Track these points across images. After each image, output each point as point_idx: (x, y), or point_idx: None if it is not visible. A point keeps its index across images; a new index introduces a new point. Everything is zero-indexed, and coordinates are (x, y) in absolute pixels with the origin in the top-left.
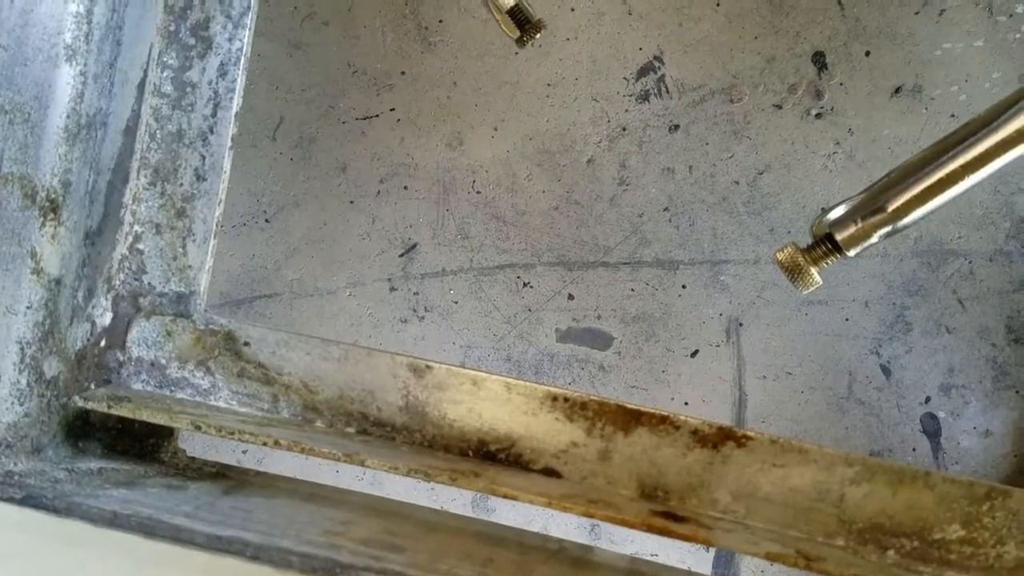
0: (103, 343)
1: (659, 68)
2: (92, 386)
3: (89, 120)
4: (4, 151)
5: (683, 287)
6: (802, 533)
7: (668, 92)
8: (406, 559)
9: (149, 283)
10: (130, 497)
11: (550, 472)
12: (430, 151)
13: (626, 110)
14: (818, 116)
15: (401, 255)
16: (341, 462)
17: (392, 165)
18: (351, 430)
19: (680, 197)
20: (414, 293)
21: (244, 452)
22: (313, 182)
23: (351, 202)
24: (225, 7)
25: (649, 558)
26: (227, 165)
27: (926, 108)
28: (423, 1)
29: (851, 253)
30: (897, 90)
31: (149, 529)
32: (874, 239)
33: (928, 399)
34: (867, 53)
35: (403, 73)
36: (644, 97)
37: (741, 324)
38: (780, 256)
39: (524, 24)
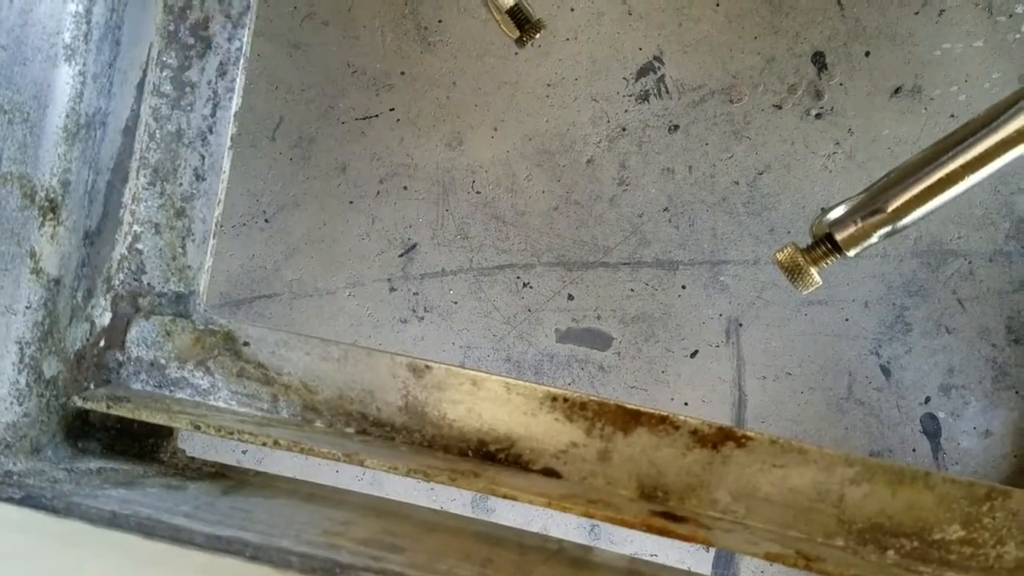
0: (102, 343)
1: (659, 68)
2: (91, 386)
3: (88, 120)
4: (3, 151)
5: (683, 287)
6: (802, 533)
7: (668, 92)
8: (405, 559)
9: (148, 283)
10: (129, 497)
11: (550, 472)
12: (430, 151)
13: (626, 110)
14: (818, 116)
15: (401, 255)
16: (340, 462)
17: (392, 165)
18: (350, 430)
19: (680, 197)
20: (414, 293)
21: (244, 452)
22: (313, 182)
23: (351, 202)
24: (224, 7)
25: (649, 558)
26: (226, 165)
27: (926, 108)
28: (423, 1)
29: (851, 253)
30: (897, 90)
31: (148, 529)
32: (874, 239)
33: (928, 399)
34: (867, 53)
35: (403, 73)
36: (644, 97)
37: (741, 324)
38: (780, 256)
39: (524, 24)
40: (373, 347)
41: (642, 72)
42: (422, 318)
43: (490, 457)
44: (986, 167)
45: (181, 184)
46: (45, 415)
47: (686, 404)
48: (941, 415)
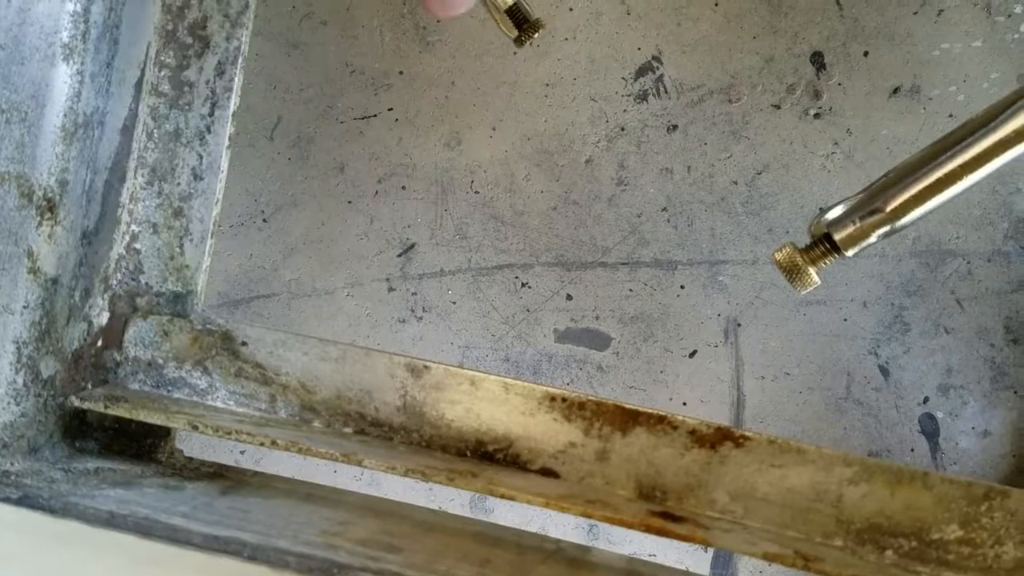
0: (100, 343)
1: (657, 68)
2: (89, 386)
3: (86, 119)
4: (1, 150)
5: (681, 287)
6: (800, 533)
7: (666, 92)
8: (404, 559)
9: (146, 283)
10: (127, 497)
11: (548, 472)
12: (428, 151)
13: (624, 110)
14: (816, 116)
15: (399, 255)
16: (338, 462)
17: (390, 165)
18: (349, 430)
19: (678, 197)
20: (412, 293)
21: (242, 452)
22: (311, 182)
23: (349, 202)
24: (223, 6)
25: (647, 558)
26: (224, 164)
27: (924, 108)
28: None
29: (849, 253)
30: (895, 90)
31: (146, 529)
32: (872, 239)
33: (926, 399)
34: (865, 53)
35: (401, 73)
36: (642, 97)
37: (739, 324)
38: (778, 256)
39: (522, 23)
40: (371, 347)
41: (641, 72)
42: (420, 318)
43: (488, 457)
44: (985, 167)
45: (179, 184)
46: (42, 415)
47: (684, 404)
48: (939, 415)
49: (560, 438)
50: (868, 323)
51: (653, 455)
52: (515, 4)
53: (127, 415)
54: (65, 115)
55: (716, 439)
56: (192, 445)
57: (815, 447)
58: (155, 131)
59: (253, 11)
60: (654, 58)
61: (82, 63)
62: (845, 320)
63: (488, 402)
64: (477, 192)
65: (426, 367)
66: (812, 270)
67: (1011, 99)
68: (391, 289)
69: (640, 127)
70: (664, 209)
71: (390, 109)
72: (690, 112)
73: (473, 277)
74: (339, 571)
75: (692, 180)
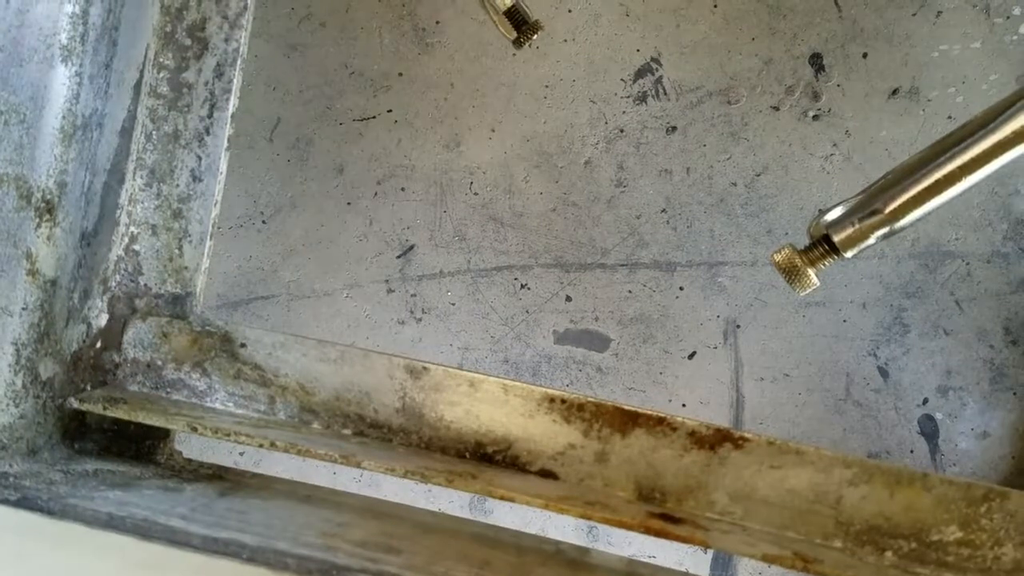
0: (99, 344)
1: (657, 70)
2: (88, 388)
3: (85, 121)
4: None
5: (680, 289)
6: (799, 535)
7: (666, 94)
8: (403, 561)
9: (145, 284)
10: (126, 499)
11: (547, 474)
12: (427, 152)
13: (623, 112)
14: (815, 118)
15: (398, 257)
16: (338, 464)
17: (389, 167)
18: (348, 432)
19: (678, 199)
20: (411, 295)
21: (241, 454)
22: (310, 183)
23: (348, 204)
24: (221, 8)
25: (647, 560)
26: (223, 166)
27: (923, 110)
28: (420, 2)
29: (848, 254)
30: (894, 92)
31: (145, 531)
32: (871, 240)
33: (926, 401)
34: (864, 55)
35: (400, 74)
36: (642, 99)
37: (739, 326)
38: (777, 258)
39: (521, 25)
40: (370, 348)
41: (640, 73)
42: (420, 319)
43: (487, 459)
44: (984, 168)
45: (178, 185)
46: (41, 417)
47: (684, 405)
48: (939, 416)
49: (559, 439)
50: (867, 324)
51: (652, 456)
52: (514, 6)
53: (126, 417)
54: (64, 117)
55: (715, 440)
56: (191, 447)
57: (814, 448)
58: (154, 133)
59: (252, 13)
60: (653, 60)
61: (81, 65)
62: (844, 321)
63: (487, 404)
64: (476, 193)
65: (425, 368)
66: (811, 271)
67: (1010, 100)
68: (390, 290)
69: (639, 128)
70: (663, 210)
71: (389, 111)
72: (689, 113)
73: (472, 278)
74: (338, 572)
75: (691, 181)
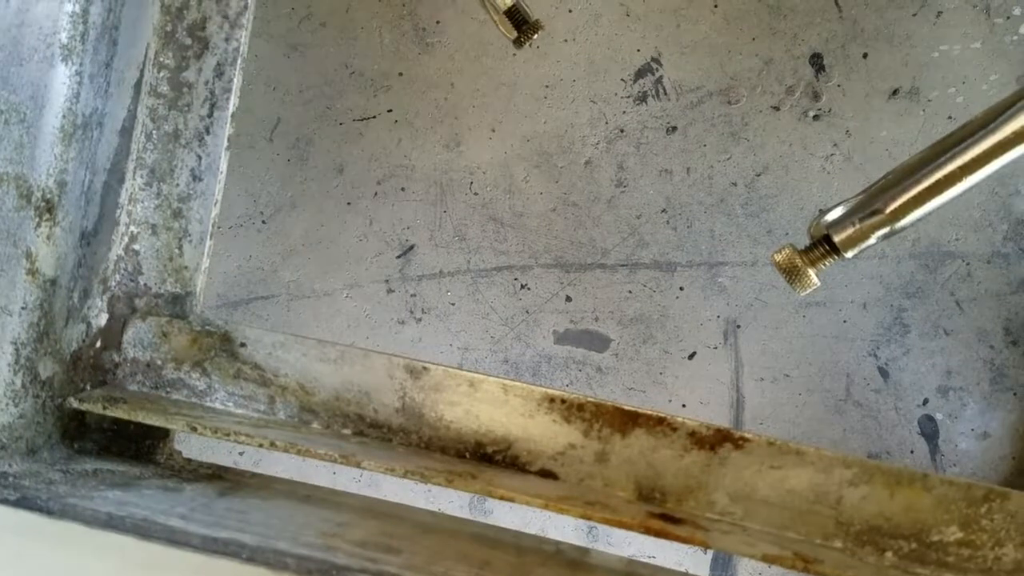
0: (99, 344)
1: (657, 70)
2: (87, 387)
3: (85, 120)
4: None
5: (681, 289)
6: (800, 535)
7: (666, 94)
8: (402, 561)
9: (145, 284)
10: (125, 499)
11: (547, 474)
12: (427, 152)
13: (624, 112)
14: (816, 118)
15: (398, 257)
16: (337, 464)
17: (389, 166)
18: (347, 432)
19: (678, 199)
20: (411, 295)
21: (241, 454)
22: (310, 183)
23: (348, 203)
24: (222, 7)
25: (647, 560)
26: (223, 166)
27: (923, 110)
28: (421, 2)
29: (849, 255)
30: (894, 92)
31: (144, 531)
32: (872, 240)
33: (926, 401)
34: (864, 55)
35: (400, 74)
36: (642, 99)
37: (739, 326)
38: (778, 258)
39: (522, 25)
40: (370, 348)
41: (640, 73)
42: (420, 319)
43: (487, 459)
44: (984, 169)
45: (178, 185)
46: (41, 416)
47: (684, 406)
48: (939, 417)
49: (559, 440)
50: (868, 325)
51: (652, 457)
52: (514, 5)
53: (126, 416)
54: (64, 116)
55: (715, 441)
56: (191, 446)
57: (814, 449)
58: (154, 132)
59: (252, 12)
60: (653, 60)
61: (81, 64)
62: (845, 322)
63: (487, 404)
64: (476, 193)
65: (425, 368)
66: (811, 271)
67: (1010, 101)
68: (390, 290)
69: (639, 128)
70: (663, 211)
71: (389, 110)
72: (689, 113)
73: (472, 279)
74: (338, 572)
75: (691, 182)
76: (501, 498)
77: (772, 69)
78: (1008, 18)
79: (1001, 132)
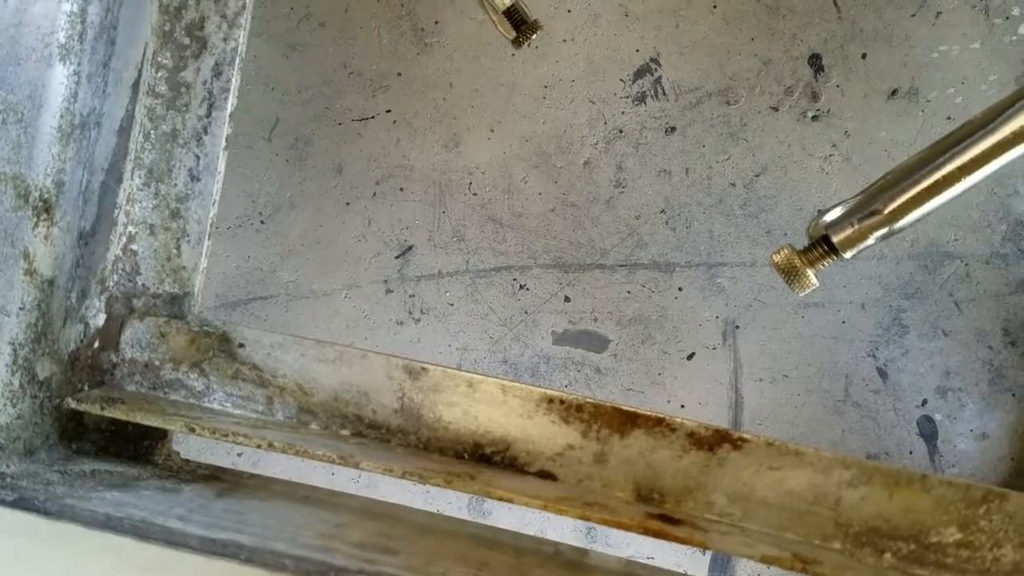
0: (96, 344)
1: (656, 70)
2: (85, 388)
3: (83, 120)
4: None
5: (679, 289)
6: (798, 536)
7: (665, 94)
8: (400, 562)
9: (143, 284)
10: (123, 499)
11: (546, 475)
12: (426, 153)
13: (623, 112)
14: (814, 118)
15: (397, 257)
16: (336, 465)
17: (388, 167)
18: (346, 432)
19: (677, 199)
20: (410, 295)
21: (239, 454)
22: (309, 183)
23: (347, 204)
24: (220, 7)
25: (645, 561)
26: (222, 166)
27: (922, 110)
28: (419, 2)
29: (847, 255)
30: (893, 92)
31: (142, 532)
32: (870, 241)
33: (925, 402)
34: (863, 55)
35: (399, 74)
36: (641, 99)
37: (737, 327)
38: (776, 258)
39: (520, 25)
40: (369, 349)
41: (639, 74)
42: (418, 320)
43: (486, 459)
44: (983, 169)
45: (176, 185)
46: (39, 417)
47: (683, 406)
48: (938, 417)
49: (558, 440)
50: (866, 325)
51: (651, 457)
52: (513, 5)
53: (124, 417)
54: (62, 116)
55: (714, 441)
56: (189, 447)
57: (813, 449)
58: (152, 132)
59: (250, 12)
60: (652, 60)
61: (79, 64)
62: (843, 322)
63: (486, 404)
64: (475, 194)
65: (424, 369)
66: (810, 272)
67: (1009, 101)
68: (389, 291)
69: (638, 129)
70: (662, 211)
71: (388, 111)
72: (688, 114)
73: (471, 279)
74: (336, 573)
75: (690, 182)
76: (500, 499)
77: (771, 69)
78: (1007, 18)
79: (1000, 132)
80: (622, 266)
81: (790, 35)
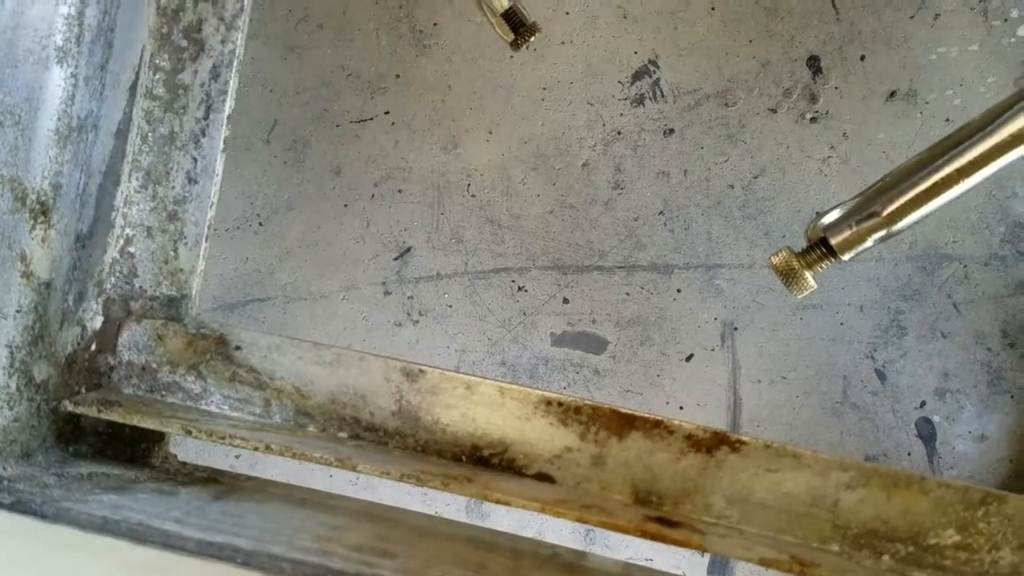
0: (93, 347)
1: (654, 72)
2: (82, 390)
3: (80, 122)
4: None
5: (678, 291)
6: (797, 538)
7: (663, 96)
8: (398, 565)
9: (140, 286)
10: (120, 502)
11: (544, 477)
12: (425, 154)
13: (621, 114)
14: (813, 120)
15: (395, 259)
16: (333, 467)
17: (386, 168)
18: (343, 435)
19: (675, 201)
20: (408, 297)
21: (237, 457)
22: (307, 185)
23: (345, 205)
24: (218, 9)
25: (644, 563)
26: (219, 168)
27: (921, 112)
28: (418, 4)
29: (845, 257)
30: (892, 94)
31: (139, 535)
32: (869, 243)
33: (923, 403)
34: (862, 57)
35: (397, 76)
36: (639, 101)
37: (736, 328)
38: (775, 260)
39: (518, 27)
40: (366, 351)
41: (637, 76)
42: (417, 322)
43: (484, 462)
44: (981, 171)
45: (173, 187)
46: (35, 419)
47: (681, 408)
48: (936, 419)
49: (556, 443)
50: (865, 327)
51: (649, 460)
52: (511, 8)
53: (121, 420)
54: (59, 118)
55: (712, 444)
56: (186, 450)
57: (811, 452)
58: (149, 134)
59: (248, 14)
60: (651, 62)
61: (76, 66)
62: (842, 324)
63: (484, 407)
64: (473, 196)
65: (421, 371)
66: (808, 274)
67: (1008, 103)
68: (387, 293)
69: (637, 131)
70: (661, 213)
71: (386, 112)
72: (686, 116)
73: (469, 281)
74: None
75: (689, 184)
76: (497, 502)
77: (769, 71)
78: (1006, 20)
79: (999, 135)
80: (621, 268)
81: (788, 37)
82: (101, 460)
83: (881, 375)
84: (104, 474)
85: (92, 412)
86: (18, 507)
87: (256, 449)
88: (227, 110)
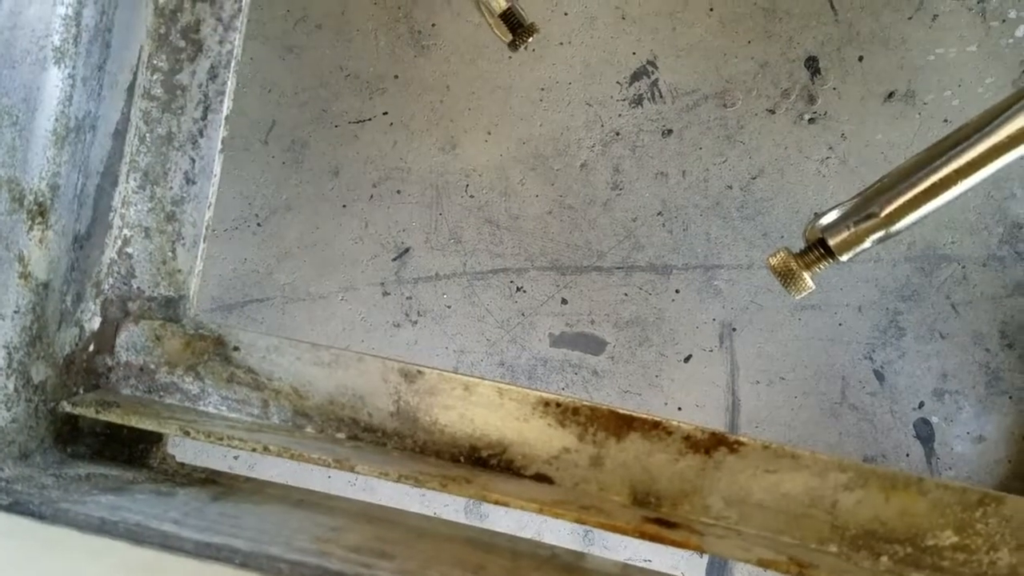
0: (91, 348)
1: (652, 72)
2: (80, 391)
3: (78, 123)
4: None
5: (676, 292)
6: (795, 539)
7: (661, 96)
8: (396, 566)
9: (138, 287)
10: (118, 503)
11: (542, 478)
12: (423, 155)
13: (619, 114)
14: (811, 121)
15: (394, 259)
16: (331, 468)
17: (385, 169)
18: (342, 436)
19: (673, 202)
20: (407, 297)
21: (235, 458)
22: (305, 186)
23: (344, 206)
24: (216, 10)
25: (642, 564)
26: (217, 168)
27: (919, 113)
28: (416, 5)
29: (844, 258)
30: (890, 95)
31: (137, 536)
32: (867, 244)
33: (922, 404)
34: (860, 58)
35: (396, 77)
36: (637, 101)
37: (734, 329)
38: (773, 261)
39: (517, 28)
40: (365, 352)
41: (636, 76)
42: (415, 322)
43: (482, 463)
44: (979, 172)
45: (171, 188)
46: (33, 420)
47: (679, 409)
48: (935, 420)
49: (554, 444)
50: (863, 328)
51: (648, 461)
52: (509, 9)
53: (119, 420)
54: (56, 119)
55: (711, 444)
56: (184, 450)
57: (810, 452)
58: (147, 135)
59: (246, 15)
60: (649, 63)
61: (74, 67)
62: (840, 325)
63: (482, 407)
64: (472, 196)
65: (420, 372)
66: (807, 275)
67: (1006, 104)
68: (386, 293)
69: (635, 131)
70: (659, 213)
71: (385, 113)
72: (685, 116)
73: (468, 281)
74: None
75: (687, 184)
76: (496, 502)
77: (768, 72)
78: (1004, 21)
79: (997, 135)
80: (619, 268)
81: (787, 38)
82: (99, 461)
83: (879, 376)
84: (102, 475)
85: (90, 413)
86: (16, 508)
87: (254, 450)
88: (225, 111)
